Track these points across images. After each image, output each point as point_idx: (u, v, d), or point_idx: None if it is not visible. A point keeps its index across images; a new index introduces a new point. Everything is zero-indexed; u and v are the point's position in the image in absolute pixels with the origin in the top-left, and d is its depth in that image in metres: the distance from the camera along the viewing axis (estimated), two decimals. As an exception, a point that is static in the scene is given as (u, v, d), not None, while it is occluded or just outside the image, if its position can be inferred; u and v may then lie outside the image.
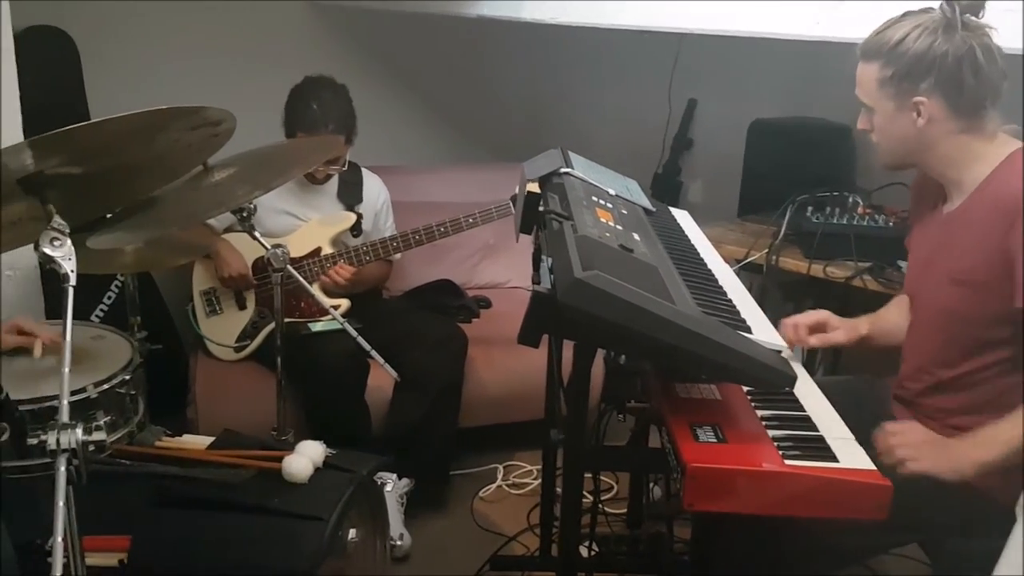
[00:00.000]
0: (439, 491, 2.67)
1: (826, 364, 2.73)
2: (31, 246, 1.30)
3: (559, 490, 1.69)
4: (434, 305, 3.01)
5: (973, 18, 1.50)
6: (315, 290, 2.50)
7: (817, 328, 1.81)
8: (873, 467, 1.26)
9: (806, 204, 2.55)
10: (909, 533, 1.61)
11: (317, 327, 2.56)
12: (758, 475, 1.23)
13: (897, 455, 1.45)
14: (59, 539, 1.13)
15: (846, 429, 1.38)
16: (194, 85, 3.06)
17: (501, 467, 2.86)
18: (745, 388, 1.45)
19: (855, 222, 2.48)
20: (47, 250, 1.26)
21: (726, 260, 1.94)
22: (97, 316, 2.87)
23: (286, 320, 2.10)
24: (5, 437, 1.42)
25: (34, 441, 1.20)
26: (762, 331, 1.47)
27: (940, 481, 1.42)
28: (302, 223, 2.73)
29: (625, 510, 2.29)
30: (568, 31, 3.24)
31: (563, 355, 1.68)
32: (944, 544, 1.58)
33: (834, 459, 1.27)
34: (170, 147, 1.51)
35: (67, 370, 1.21)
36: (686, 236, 1.97)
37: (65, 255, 1.26)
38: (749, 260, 2.57)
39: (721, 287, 1.66)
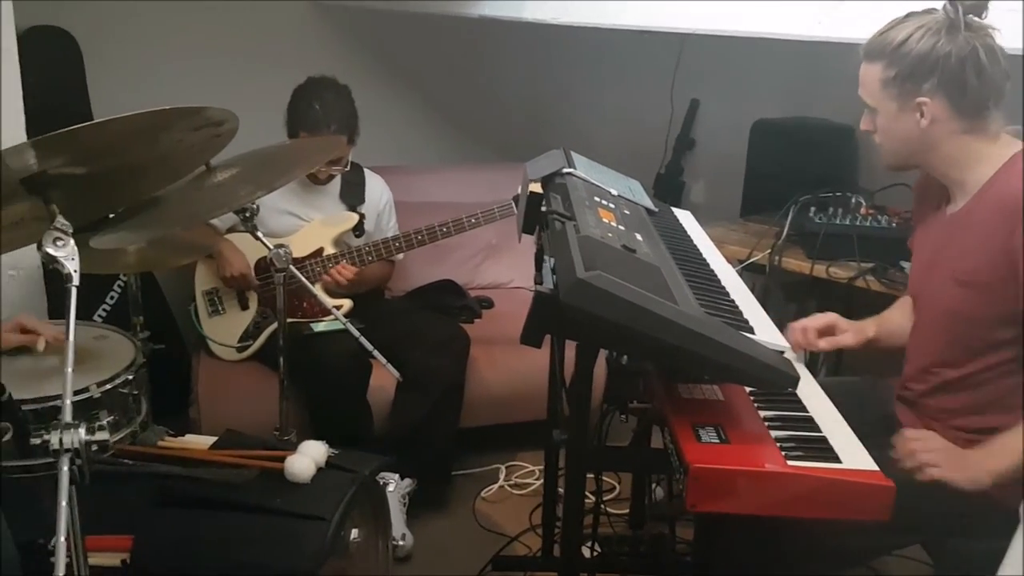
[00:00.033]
0: (441, 491, 2.67)
1: (828, 365, 2.72)
2: (34, 246, 1.30)
3: (561, 490, 1.69)
4: (436, 305, 3.00)
5: (976, 19, 1.49)
6: (317, 290, 2.51)
7: (826, 331, 1.80)
8: (876, 468, 1.26)
9: (809, 204, 2.55)
10: (912, 534, 1.61)
11: (319, 327, 2.56)
12: (761, 476, 1.23)
13: (919, 460, 1.45)
14: (62, 539, 1.13)
15: (849, 430, 1.37)
16: (197, 85, 3.06)
17: (503, 467, 2.86)
18: (748, 389, 1.45)
19: (858, 223, 2.48)
20: (50, 250, 1.26)
21: (729, 260, 1.94)
22: (100, 316, 2.86)
23: (288, 320, 2.11)
24: (8, 437, 1.42)
25: (37, 441, 1.21)
26: (765, 332, 1.48)
27: (957, 489, 1.42)
28: (304, 223, 2.73)
29: (627, 511, 2.29)
30: (570, 31, 3.24)
31: (565, 355, 1.68)
32: (946, 545, 1.58)
33: (837, 460, 1.27)
34: (173, 147, 1.52)
35: (70, 370, 1.21)
36: (688, 236, 1.97)
37: (68, 255, 1.26)
38: (752, 260, 2.56)
39: (724, 287, 1.66)
